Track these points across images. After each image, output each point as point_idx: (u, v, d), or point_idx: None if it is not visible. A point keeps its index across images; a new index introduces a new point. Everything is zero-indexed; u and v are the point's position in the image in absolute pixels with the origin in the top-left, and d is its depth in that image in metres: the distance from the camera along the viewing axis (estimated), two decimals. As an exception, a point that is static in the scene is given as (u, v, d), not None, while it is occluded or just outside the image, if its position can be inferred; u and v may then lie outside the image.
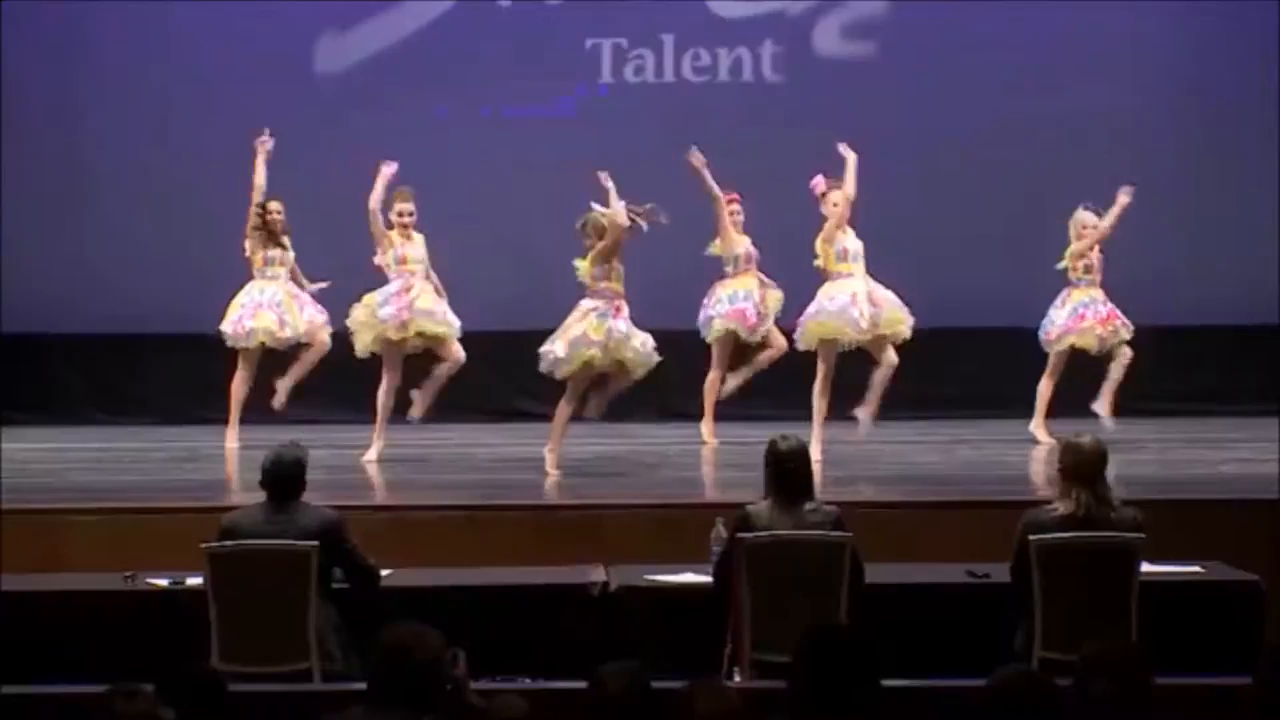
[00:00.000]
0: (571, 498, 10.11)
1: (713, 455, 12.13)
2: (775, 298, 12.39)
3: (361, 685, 5.42)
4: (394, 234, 11.89)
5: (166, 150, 14.09)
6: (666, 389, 12.86)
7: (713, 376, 12.45)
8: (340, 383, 12.70)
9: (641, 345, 10.97)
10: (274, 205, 12.30)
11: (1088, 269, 12.36)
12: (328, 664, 7.51)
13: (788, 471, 7.63)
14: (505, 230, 13.99)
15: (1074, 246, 12.32)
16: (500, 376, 13.90)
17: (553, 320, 13.44)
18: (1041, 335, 12.37)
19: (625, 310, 11.05)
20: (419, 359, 11.98)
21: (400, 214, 11.94)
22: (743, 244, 12.49)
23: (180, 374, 13.65)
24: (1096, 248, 12.34)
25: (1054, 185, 13.81)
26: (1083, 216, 12.34)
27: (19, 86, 14.15)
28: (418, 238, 12.00)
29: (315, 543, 7.53)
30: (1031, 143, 14.18)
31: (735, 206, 12.57)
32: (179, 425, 13.46)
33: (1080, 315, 12.23)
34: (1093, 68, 14.33)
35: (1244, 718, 5.04)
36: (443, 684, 5.12)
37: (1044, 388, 12.26)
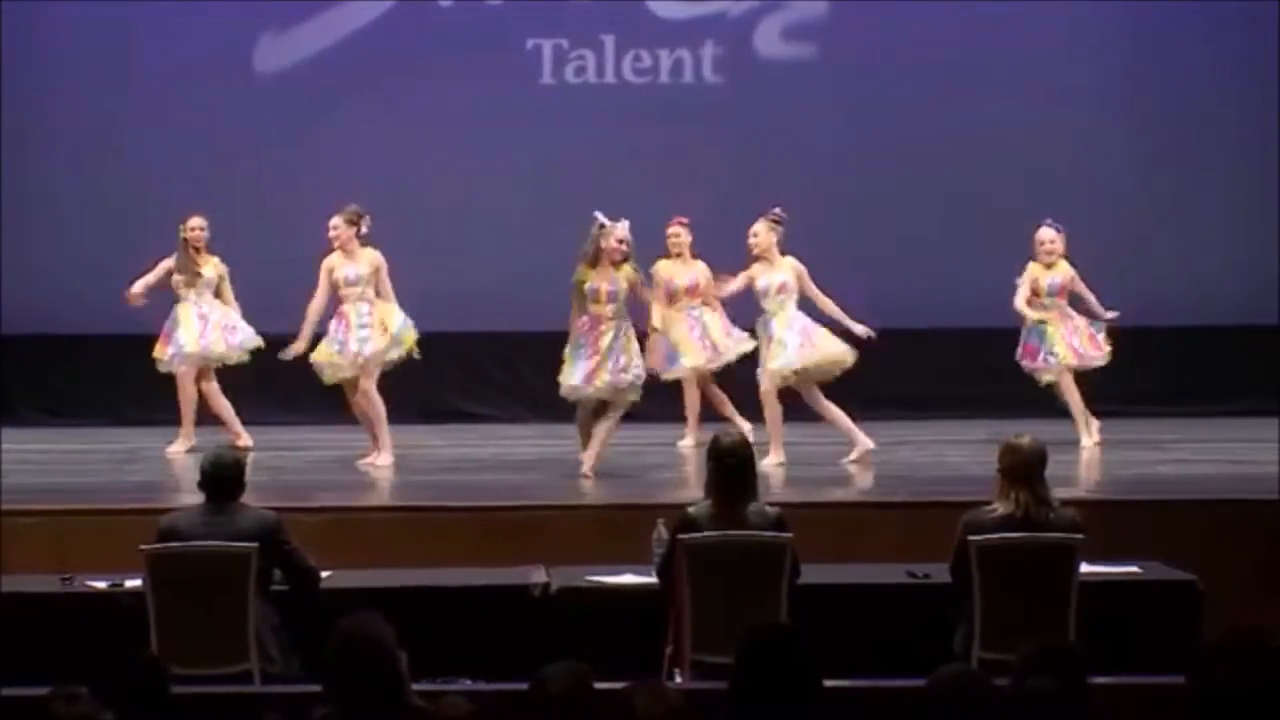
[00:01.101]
0: (513, 499, 10.10)
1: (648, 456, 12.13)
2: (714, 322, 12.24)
3: (301, 686, 5.44)
4: (334, 255, 11.66)
5: (107, 151, 14.01)
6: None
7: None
8: (278, 384, 12.66)
9: None
10: (195, 222, 12.18)
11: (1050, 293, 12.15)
12: (268, 665, 7.50)
13: (728, 469, 7.63)
14: (444, 230, 13.96)
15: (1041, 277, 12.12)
16: (439, 378, 13.89)
17: (492, 321, 13.49)
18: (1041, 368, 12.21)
19: None
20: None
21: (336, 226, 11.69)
22: (687, 274, 12.31)
23: (121, 375, 13.59)
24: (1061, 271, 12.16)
25: (999, 186, 13.92)
26: (1043, 233, 12.14)
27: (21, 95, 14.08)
28: (363, 254, 11.73)
29: (255, 544, 7.52)
30: (975, 143, 14.22)
31: (678, 229, 12.34)
32: (120, 426, 13.41)
33: (1071, 347, 12.13)
34: (1037, 67, 14.37)
35: (1180, 717, 5.08)
36: (399, 678, 5.12)
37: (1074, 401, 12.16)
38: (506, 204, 13.80)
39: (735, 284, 11.51)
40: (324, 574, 7.86)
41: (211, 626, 7.44)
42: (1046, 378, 12.14)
